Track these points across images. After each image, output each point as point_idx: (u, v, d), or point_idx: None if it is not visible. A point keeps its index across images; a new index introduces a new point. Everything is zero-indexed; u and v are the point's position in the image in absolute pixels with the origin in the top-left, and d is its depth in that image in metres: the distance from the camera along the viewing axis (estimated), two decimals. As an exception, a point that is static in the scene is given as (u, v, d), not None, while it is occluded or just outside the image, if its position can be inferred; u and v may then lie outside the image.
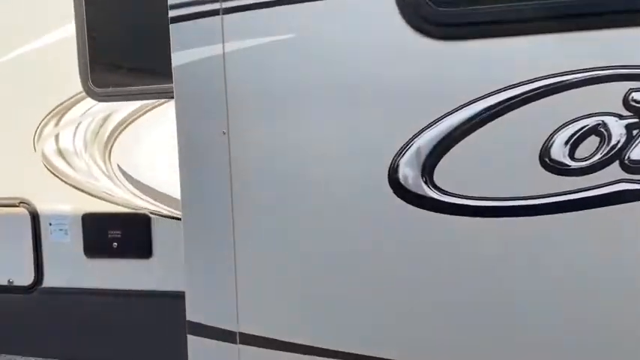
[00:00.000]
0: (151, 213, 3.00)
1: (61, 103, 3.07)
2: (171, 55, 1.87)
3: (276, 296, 1.80)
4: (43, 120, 3.11)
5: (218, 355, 1.84)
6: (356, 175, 1.69)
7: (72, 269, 3.15)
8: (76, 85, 3.04)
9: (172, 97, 2.83)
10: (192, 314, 1.88)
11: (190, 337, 1.89)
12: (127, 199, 3.03)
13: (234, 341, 1.78)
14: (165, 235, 2.98)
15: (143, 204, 3.01)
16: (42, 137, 3.13)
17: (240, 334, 1.76)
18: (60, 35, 3.05)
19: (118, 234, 3.05)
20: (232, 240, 1.78)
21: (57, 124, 3.10)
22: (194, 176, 1.86)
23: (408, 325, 1.70)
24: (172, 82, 2.86)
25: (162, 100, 2.91)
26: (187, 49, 1.83)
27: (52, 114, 3.09)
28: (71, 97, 3.06)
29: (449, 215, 1.60)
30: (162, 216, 2.98)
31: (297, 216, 1.76)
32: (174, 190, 2.86)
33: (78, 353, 3.19)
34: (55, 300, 3.18)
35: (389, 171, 1.63)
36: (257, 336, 1.76)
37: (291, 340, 1.75)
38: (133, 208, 3.02)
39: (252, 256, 1.81)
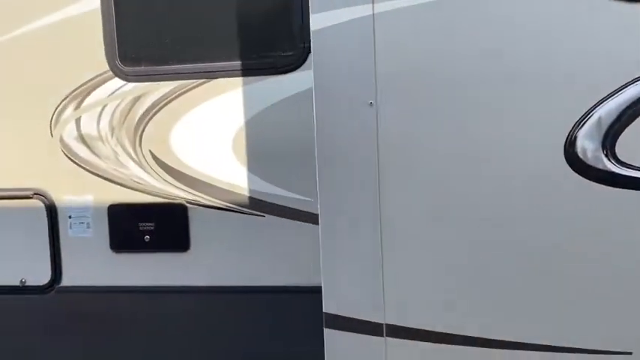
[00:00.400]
0: (188, 202, 2.78)
1: (84, 84, 2.79)
2: (310, 17, 1.66)
3: (428, 286, 1.65)
4: (61, 102, 2.82)
5: (361, 347, 1.67)
6: (527, 150, 1.56)
7: (95, 265, 2.88)
8: (100, 63, 2.77)
9: (212, 78, 2.66)
10: (330, 307, 1.70)
11: (328, 331, 1.71)
12: (160, 188, 2.79)
13: (380, 334, 1.63)
14: (204, 226, 2.77)
15: (179, 193, 2.78)
16: (60, 122, 2.83)
17: (387, 325, 1.61)
18: (82, 7, 2.76)
19: (151, 226, 2.81)
20: (379, 227, 1.61)
21: (77, 107, 2.81)
22: (334, 152, 1.67)
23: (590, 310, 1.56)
24: (212, 61, 2.69)
25: (201, 81, 2.69)
26: (329, 10, 1.62)
27: (71, 96, 2.80)
28: (95, 77, 2.78)
29: (633, 191, 1.50)
30: (200, 205, 2.77)
31: (455, 199, 1.61)
32: (215, 178, 2.68)
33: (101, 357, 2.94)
34: (75, 299, 2.91)
35: (565, 144, 1.51)
36: (404, 327, 1.61)
37: (443, 331, 1.61)
38: (167, 198, 2.79)
39: (401, 245, 1.65)
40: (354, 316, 1.67)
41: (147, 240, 2.81)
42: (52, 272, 2.91)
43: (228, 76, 2.67)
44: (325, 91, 1.66)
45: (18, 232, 2.92)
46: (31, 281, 2.94)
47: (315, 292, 2.27)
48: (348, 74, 1.63)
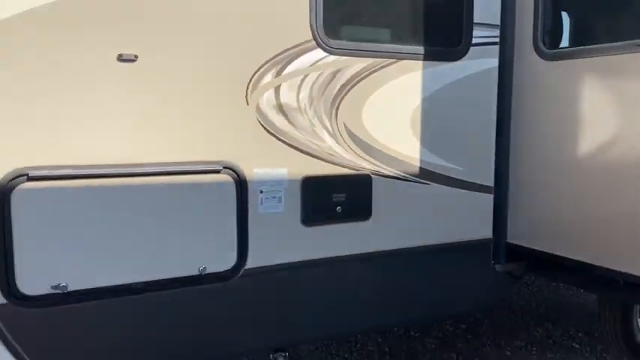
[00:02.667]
0: (372, 173, 2.96)
1: (285, 51, 2.67)
2: None
3: None
4: (260, 68, 2.62)
5: None
6: None
7: (285, 242, 2.76)
8: (304, 32, 2.71)
9: (400, 59, 2.98)
10: None
11: None
12: (350, 160, 2.89)
13: None
14: (382, 194, 3.00)
15: (365, 164, 2.94)
16: (258, 88, 2.63)
17: None
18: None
19: (342, 197, 2.88)
20: None
21: (277, 75, 2.67)
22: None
23: None
24: (401, 44, 2.97)
25: (391, 61, 2.95)
26: None
27: (272, 62, 2.65)
28: (297, 46, 2.70)
29: None
30: (382, 176, 2.99)
31: None
32: (395, 150, 3.02)
33: (301, 332, 2.82)
34: (263, 281, 2.72)
35: None
36: None
37: None
38: (355, 169, 2.92)
39: None
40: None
41: (339, 211, 2.87)
42: (237, 255, 2.64)
43: (412, 59, 3.00)
44: None
45: (199, 213, 2.54)
46: (212, 268, 2.59)
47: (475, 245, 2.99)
48: None
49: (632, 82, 2.74)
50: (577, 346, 4.16)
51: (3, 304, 2.21)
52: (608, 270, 2.91)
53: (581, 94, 3.01)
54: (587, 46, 3.07)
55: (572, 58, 3.06)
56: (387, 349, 4.06)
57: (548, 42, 3.15)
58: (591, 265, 2.98)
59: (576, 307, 4.96)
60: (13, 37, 2.14)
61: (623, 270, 2.84)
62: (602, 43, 2.95)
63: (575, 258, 3.05)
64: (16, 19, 2.14)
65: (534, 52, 3.18)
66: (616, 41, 2.83)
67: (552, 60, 3.12)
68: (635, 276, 2.78)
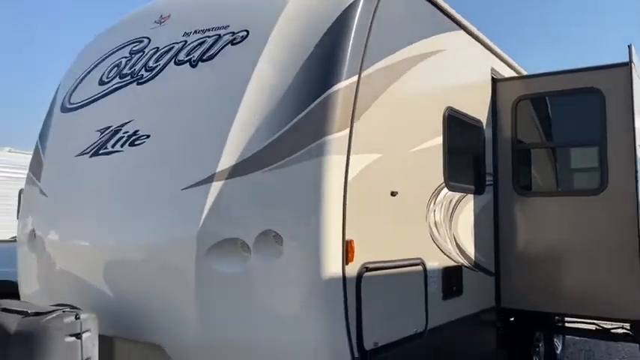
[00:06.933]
0: (462, 265, 4.69)
1: (436, 187, 4.34)
2: None
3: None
4: (430, 199, 4.24)
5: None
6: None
7: (438, 310, 4.25)
8: (441, 178, 4.43)
9: (468, 193, 4.91)
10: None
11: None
12: (456, 258, 4.59)
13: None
14: (465, 279, 4.74)
15: (460, 259, 4.66)
16: (428, 211, 4.22)
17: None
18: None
19: (454, 280, 4.53)
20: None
21: (433, 202, 4.30)
22: None
23: None
24: (469, 184, 4.90)
25: (463, 194, 4.83)
26: None
27: (434, 194, 4.29)
28: (439, 185, 4.40)
29: None
30: (464, 266, 4.74)
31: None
32: (468, 250, 4.90)
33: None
34: (433, 337, 4.13)
35: None
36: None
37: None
38: (457, 263, 4.62)
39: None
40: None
41: (454, 290, 4.49)
42: (425, 318, 4.05)
43: (470, 193, 4.94)
44: None
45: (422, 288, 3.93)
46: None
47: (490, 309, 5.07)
48: None
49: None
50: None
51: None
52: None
53: (538, 216, 5.34)
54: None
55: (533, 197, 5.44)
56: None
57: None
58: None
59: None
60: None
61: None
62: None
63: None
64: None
65: (513, 190, 5.44)
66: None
67: (523, 196, 5.42)
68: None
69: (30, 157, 12.48)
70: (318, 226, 3.08)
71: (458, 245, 4.64)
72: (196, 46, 3.75)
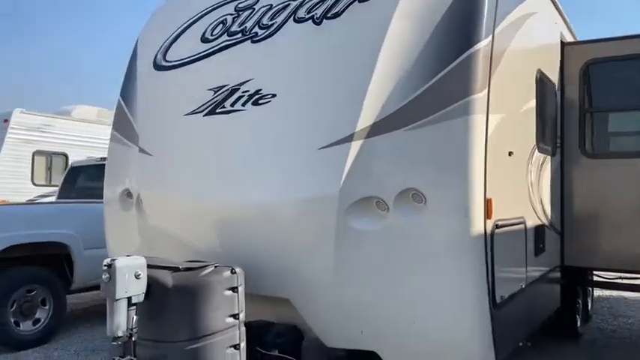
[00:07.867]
0: (545, 225, 4.86)
1: (532, 148, 4.46)
2: None
3: None
4: (530, 155, 4.35)
5: None
6: None
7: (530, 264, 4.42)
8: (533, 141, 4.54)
9: (547, 154, 5.05)
10: None
11: None
12: (541, 216, 4.74)
13: None
14: (548, 237, 4.91)
15: (543, 219, 4.82)
16: (528, 169, 4.33)
17: None
18: None
19: (542, 236, 4.69)
20: None
21: (530, 161, 4.42)
22: None
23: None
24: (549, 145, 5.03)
25: (545, 155, 4.96)
26: None
27: (530, 152, 4.40)
28: (534, 146, 4.51)
29: None
30: (545, 226, 4.91)
31: None
32: (547, 210, 5.07)
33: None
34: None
35: None
36: None
37: None
38: (541, 222, 4.78)
39: None
40: None
41: (540, 247, 4.66)
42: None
43: (549, 154, 5.08)
44: None
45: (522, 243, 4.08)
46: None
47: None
48: None
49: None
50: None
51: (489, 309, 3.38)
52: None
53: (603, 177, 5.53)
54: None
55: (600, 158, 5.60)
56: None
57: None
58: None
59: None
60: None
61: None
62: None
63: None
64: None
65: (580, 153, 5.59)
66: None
67: (589, 158, 5.59)
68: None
69: (42, 118, 12.12)
70: (465, 184, 3.16)
71: (542, 204, 4.79)
72: (317, 2, 3.71)
